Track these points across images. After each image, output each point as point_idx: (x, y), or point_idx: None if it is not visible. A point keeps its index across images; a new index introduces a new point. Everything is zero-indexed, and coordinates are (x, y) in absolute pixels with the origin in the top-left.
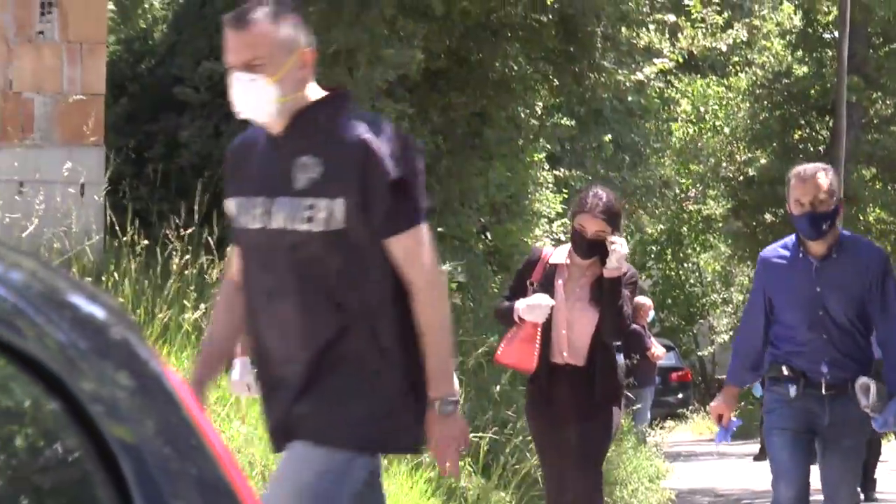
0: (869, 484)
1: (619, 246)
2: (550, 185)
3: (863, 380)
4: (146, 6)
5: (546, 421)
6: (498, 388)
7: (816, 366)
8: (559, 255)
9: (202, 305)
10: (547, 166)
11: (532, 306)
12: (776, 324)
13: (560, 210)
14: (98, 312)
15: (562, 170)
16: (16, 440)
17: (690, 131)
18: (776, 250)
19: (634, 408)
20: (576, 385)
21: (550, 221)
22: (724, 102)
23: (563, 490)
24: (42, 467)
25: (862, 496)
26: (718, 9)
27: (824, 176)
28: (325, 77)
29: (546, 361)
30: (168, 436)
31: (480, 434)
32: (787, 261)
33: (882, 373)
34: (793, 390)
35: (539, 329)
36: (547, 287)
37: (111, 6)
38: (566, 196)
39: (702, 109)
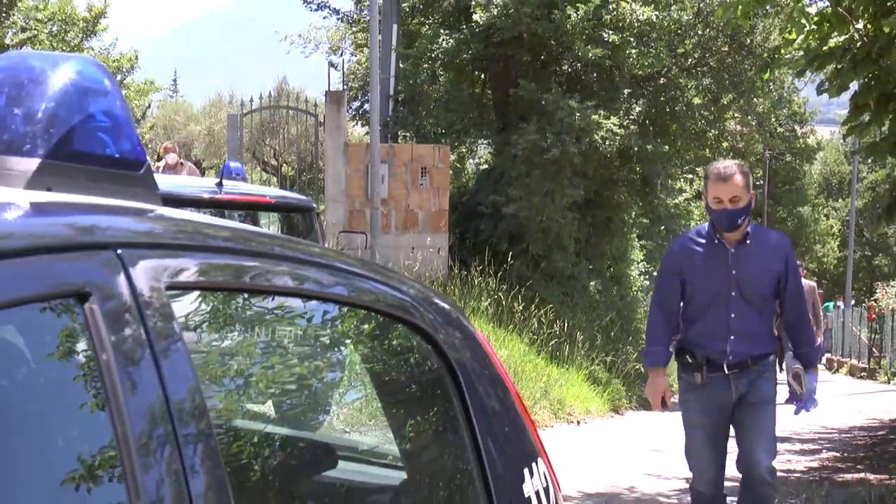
0: None
1: None
2: (637, 249)
3: (795, 368)
4: (468, 170)
5: None
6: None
7: (722, 345)
8: None
9: (484, 298)
10: (637, 240)
11: None
12: (688, 305)
13: (641, 258)
14: (445, 305)
15: (644, 241)
16: (411, 361)
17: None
18: (692, 238)
19: None
20: None
21: (637, 264)
22: None
23: None
24: (420, 375)
25: None
26: None
27: (740, 176)
28: (542, 202)
29: None
30: (476, 357)
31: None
32: (704, 247)
33: (789, 351)
34: (698, 378)
35: None
36: None
37: (451, 172)
38: (644, 253)
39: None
